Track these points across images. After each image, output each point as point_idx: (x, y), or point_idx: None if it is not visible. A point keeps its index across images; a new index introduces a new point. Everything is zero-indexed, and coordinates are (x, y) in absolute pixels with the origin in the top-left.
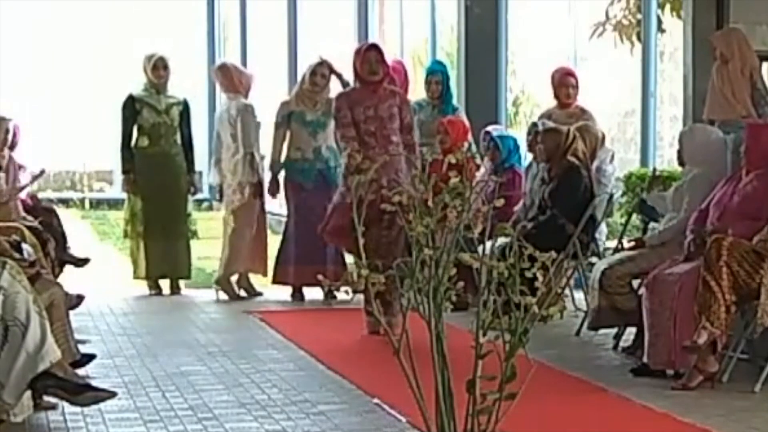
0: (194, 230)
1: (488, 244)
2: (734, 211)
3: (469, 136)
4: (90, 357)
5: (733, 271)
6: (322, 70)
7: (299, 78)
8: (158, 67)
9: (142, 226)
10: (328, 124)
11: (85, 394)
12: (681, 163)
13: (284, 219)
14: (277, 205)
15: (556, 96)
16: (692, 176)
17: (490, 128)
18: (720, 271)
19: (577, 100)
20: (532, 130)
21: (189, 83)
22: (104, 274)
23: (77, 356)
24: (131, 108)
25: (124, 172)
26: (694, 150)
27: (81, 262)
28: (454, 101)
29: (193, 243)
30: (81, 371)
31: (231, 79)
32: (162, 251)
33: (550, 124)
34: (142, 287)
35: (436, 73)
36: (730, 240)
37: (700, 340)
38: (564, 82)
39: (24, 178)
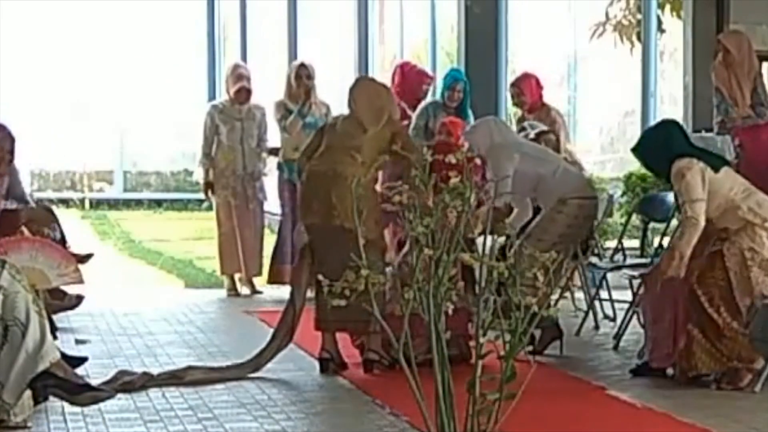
0: None
1: (488, 243)
2: None
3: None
4: (82, 360)
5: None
6: (305, 71)
7: (285, 81)
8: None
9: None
10: None
11: (84, 394)
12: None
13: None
14: (275, 205)
15: None
16: None
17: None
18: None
19: (539, 98)
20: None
21: (189, 83)
22: (104, 274)
23: None
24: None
25: None
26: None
27: (85, 259)
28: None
29: (192, 243)
30: (79, 371)
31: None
32: None
33: (542, 126)
34: (140, 287)
35: (460, 82)
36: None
37: (744, 383)
38: (511, 93)
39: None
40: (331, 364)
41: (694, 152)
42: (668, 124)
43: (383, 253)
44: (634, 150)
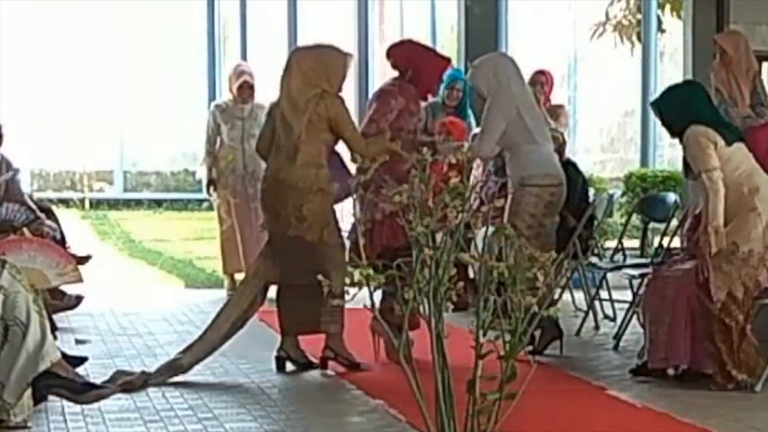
0: None
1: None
2: None
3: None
4: (82, 359)
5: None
6: None
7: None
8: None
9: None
10: None
11: (88, 393)
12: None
13: None
14: None
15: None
16: None
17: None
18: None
19: (550, 99)
20: None
21: (189, 83)
22: (104, 274)
23: None
24: None
25: None
26: None
27: (83, 260)
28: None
29: (192, 243)
30: (80, 371)
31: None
32: None
33: (551, 123)
34: (140, 287)
35: (459, 81)
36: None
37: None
38: (533, 80)
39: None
40: (287, 362)
41: (711, 121)
42: (693, 86)
43: (343, 252)
44: (654, 103)
